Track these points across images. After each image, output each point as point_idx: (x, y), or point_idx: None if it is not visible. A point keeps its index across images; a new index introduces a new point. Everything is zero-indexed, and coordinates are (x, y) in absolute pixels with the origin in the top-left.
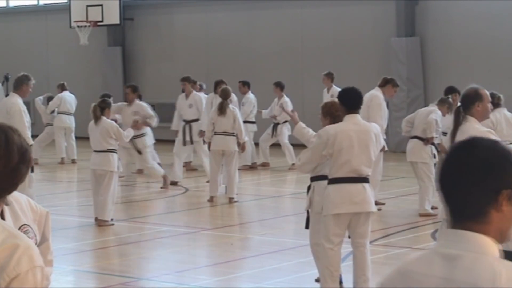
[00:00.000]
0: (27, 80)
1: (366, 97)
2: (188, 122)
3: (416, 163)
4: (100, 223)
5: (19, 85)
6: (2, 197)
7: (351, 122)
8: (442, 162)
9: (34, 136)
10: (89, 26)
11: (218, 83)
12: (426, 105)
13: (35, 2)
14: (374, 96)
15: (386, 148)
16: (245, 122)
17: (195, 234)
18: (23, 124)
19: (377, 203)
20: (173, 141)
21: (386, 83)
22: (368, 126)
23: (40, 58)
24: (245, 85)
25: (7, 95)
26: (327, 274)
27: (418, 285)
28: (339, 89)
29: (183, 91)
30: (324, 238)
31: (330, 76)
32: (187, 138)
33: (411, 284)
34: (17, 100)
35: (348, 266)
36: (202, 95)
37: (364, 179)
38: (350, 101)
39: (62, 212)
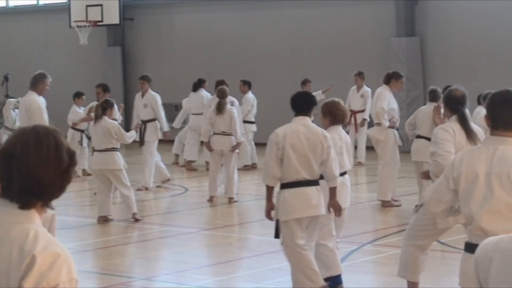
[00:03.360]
0: (42, 78)
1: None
2: (144, 122)
3: (422, 162)
4: (136, 217)
5: (35, 83)
6: (50, 201)
7: (300, 123)
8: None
9: None
10: (89, 26)
11: (219, 83)
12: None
13: (35, 2)
14: (379, 94)
15: (400, 143)
16: (244, 122)
17: (195, 234)
18: (44, 121)
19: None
20: (173, 141)
21: (389, 79)
22: (317, 129)
23: (40, 58)
24: (245, 85)
25: (6, 95)
26: (312, 274)
27: None
28: (368, 89)
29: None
30: (292, 243)
31: (362, 76)
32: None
33: None
34: (35, 98)
35: (348, 266)
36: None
37: (316, 182)
38: (301, 103)
39: (62, 212)
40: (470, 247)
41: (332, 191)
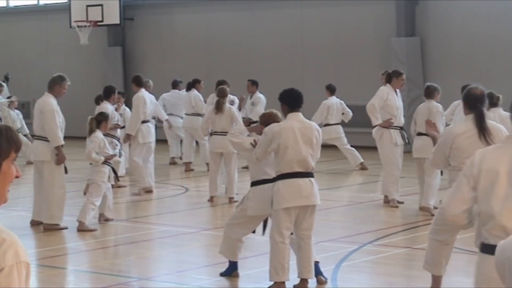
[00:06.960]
0: (60, 81)
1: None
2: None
3: (424, 159)
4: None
5: (52, 85)
6: None
7: (294, 119)
8: None
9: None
10: (89, 26)
11: (220, 83)
12: None
13: (35, 2)
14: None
15: (400, 143)
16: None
17: (195, 234)
18: (55, 124)
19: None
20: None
21: (390, 78)
22: (311, 124)
23: (40, 58)
24: (253, 85)
25: (7, 95)
26: (279, 268)
27: None
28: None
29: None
30: (276, 232)
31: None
32: None
33: None
34: (50, 100)
35: (348, 266)
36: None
37: (310, 174)
38: (292, 100)
39: None
40: (488, 248)
41: None
